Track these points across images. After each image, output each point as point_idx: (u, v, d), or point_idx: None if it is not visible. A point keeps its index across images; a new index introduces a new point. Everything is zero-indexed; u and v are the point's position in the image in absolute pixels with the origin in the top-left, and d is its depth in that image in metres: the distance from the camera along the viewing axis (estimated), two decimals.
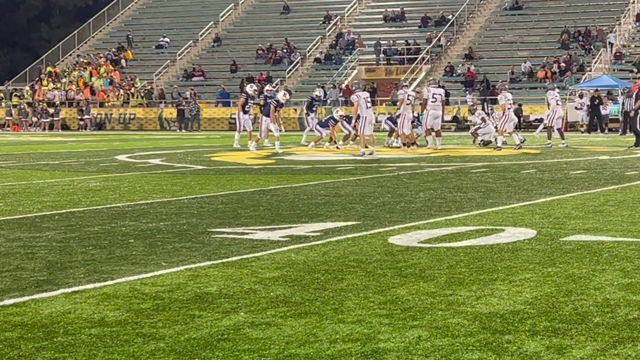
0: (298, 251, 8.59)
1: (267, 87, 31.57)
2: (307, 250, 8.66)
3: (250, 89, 30.97)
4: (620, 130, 41.81)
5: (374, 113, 27.24)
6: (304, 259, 8.18)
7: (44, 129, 57.55)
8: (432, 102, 28.33)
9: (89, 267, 7.83)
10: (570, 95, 47.69)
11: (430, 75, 54.93)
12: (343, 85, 54.92)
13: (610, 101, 45.44)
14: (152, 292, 6.80)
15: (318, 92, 34.94)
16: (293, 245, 8.95)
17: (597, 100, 43.37)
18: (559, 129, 29.96)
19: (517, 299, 6.45)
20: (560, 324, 5.75)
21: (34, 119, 59.09)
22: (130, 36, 66.35)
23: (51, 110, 58.98)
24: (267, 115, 28.58)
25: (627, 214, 11.18)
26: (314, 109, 32.54)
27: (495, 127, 28.92)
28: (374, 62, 58.12)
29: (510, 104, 27.85)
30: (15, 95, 62.84)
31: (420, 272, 7.50)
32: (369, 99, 25.62)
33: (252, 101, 30.97)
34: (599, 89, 44.84)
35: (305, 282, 7.13)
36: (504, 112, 27.56)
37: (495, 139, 27.95)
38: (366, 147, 24.65)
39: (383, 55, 57.75)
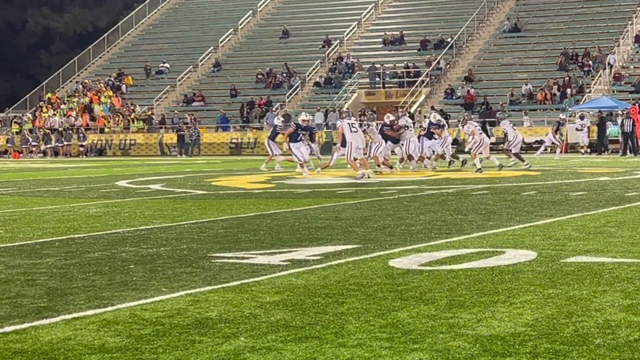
0: (298, 275, 8.58)
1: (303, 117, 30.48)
2: (308, 274, 8.64)
3: (277, 120, 32.52)
4: (620, 151, 41.86)
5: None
6: (305, 283, 8.17)
7: (50, 156, 57.62)
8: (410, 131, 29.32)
9: (89, 294, 7.82)
10: (570, 116, 47.73)
11: (429, 98, 55.02)
12: (344, 109, 55.03)
13: (610, 122, 45.48)
14: (152, 317, 6.79)
15: (303, 117, 33.64)
16: (293, 269, 8.93)
17: (600, 121, 43.08)
18: (516, 154, 30.11)
19: (518, 321, 6.44)
20: (562, 345, 5.73)
21: (41, 146, 59.06)
22: (148, 67, 66.14)
23: (53, 137, 59.08)
24: (273, 139, 29.87)
25: (627, 235, 11.16)
26: (299, 139, 31.47)
27: (469, 151, 29.09)
28: (377, 86, 58.17)
29: (479, 128, 28.39)
30: (15, 122, 62.94)
31: (420, 295, 7.49)
32: (354, 125, 25.56)
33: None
34: (601, 110, 44.83)
35: (306, 306, 7.12)
36: (473, 137, 27.78)
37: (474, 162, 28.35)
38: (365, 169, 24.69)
39: (379, 79, 57.88)
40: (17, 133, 60.97)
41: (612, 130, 44.73)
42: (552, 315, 6.60)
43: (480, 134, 28.06)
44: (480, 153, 27.78)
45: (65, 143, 58.63)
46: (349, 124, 25.20)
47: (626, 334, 6.00)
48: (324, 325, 6.40)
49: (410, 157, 29.01)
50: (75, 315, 6.91)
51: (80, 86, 65.90)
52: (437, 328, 6.26)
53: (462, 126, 28.94)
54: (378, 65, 58.60)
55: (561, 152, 39.83)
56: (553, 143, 39.86)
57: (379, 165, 27.84)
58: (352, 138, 24.75)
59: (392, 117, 29.39)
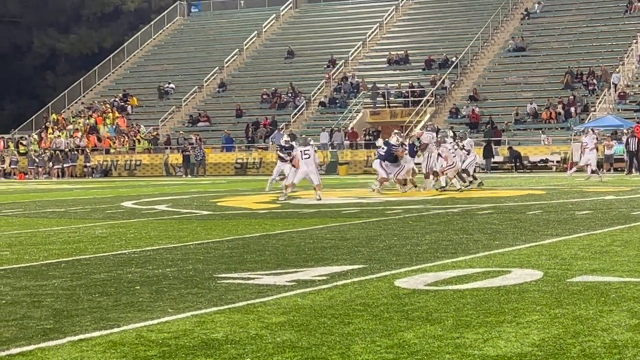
0: (304, 295, 8.58)
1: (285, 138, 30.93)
2: (314, 294, 8.64)
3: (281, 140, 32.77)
4: (625, 169, 41.85)
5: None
6: (311, 303, 8.16)
7: (56, 177, 57.70)
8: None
9: (95, 315, 7.82)
10: (575, 135, 47.75)
11: (434, 118, 55.08)
12: (349, 129, 55.11)
13: (615, 141, 45.51)
14: (158, 339, 6.79)
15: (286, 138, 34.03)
16: (299, 289, 8.93)
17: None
18: (463, 172, 30.02)
19: (524, 341, 6.43)
20: None
21: (49, 165, 59.16)
22: (162, 87, 66.24)
23: (60, 156, 59.20)
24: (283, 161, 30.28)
25: (633, 254, 11.15)
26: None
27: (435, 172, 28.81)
28: (379, 105, 58.27)
29: (452, 152, 28.04)
30: (21, 144, 63.04)
31: (427, 315, 7.48)
32: (307, 152, 26.12)
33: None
34: (601, 128, 45.00)
35: (312, 326, 7.11)
36: (447, 160, 27.74)
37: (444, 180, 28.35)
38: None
39: (382, 99, 57.97)
40: (22, 154, 61.09)
41: (617, 148, 44.77)
42: (559, 335, 6.60)
43: (454, 156, 27.94)
44: (445, 174, 27.91)
45: (70, 164, 58.76)
46: (301, 151, 26.04)
47: (633, 354, 5.99)
48: (330, 346, 6.40)
49: (428, 175, 28.92)
50: (81, 336, 6.91)
51: (85, 109, 66.02)
52: (444, 348, 6.25)
53: (438, 146, 28.48)
54: (381, 85, 58.68)
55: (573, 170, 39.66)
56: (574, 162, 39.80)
57: (414, 185, 28.04)
58: (301, 164, 25.82)
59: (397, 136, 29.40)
